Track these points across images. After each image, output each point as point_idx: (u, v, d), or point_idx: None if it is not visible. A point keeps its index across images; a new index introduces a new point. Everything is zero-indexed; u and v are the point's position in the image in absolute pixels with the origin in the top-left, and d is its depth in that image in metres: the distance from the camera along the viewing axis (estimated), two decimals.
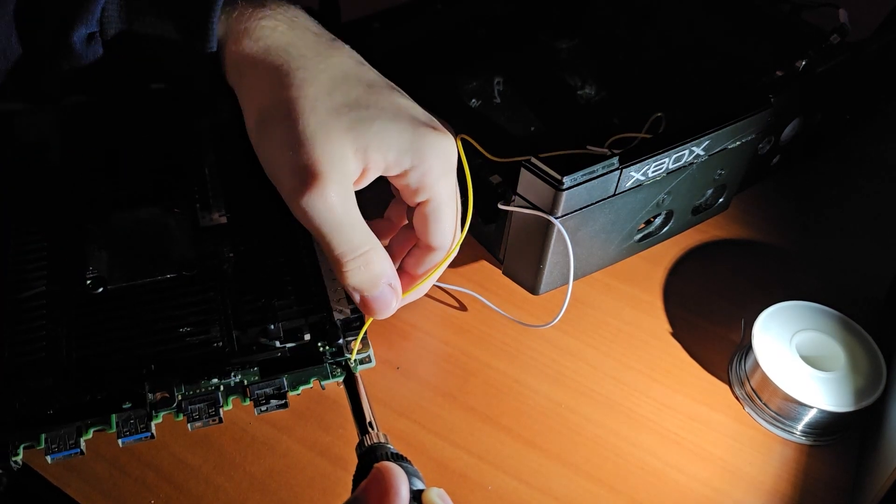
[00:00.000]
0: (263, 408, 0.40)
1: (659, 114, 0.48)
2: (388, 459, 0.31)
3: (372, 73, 0.40)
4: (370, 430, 0.34)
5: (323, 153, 0.36)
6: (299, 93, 0.37)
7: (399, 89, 0.40)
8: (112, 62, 0.40)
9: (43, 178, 0.48)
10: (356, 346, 0.42)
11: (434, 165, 0.38)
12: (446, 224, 0.40)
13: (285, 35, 0.38)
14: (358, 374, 0.37)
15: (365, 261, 0.38)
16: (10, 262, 0.43)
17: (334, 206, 0.37)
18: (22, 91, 0.40)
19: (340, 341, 0.42)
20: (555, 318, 0.44)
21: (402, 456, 0.32)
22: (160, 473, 0.38)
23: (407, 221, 0.44)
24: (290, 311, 0.43)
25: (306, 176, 0.36)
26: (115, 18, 0.39)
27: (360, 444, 0.33)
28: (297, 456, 0.39)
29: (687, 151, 0.43)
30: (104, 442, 0.38)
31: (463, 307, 0.46)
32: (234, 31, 0.39)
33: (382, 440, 0.33)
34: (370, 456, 0.32)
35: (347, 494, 0.37)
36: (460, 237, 0.42)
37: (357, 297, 0.40)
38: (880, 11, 0.53)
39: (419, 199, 0.40)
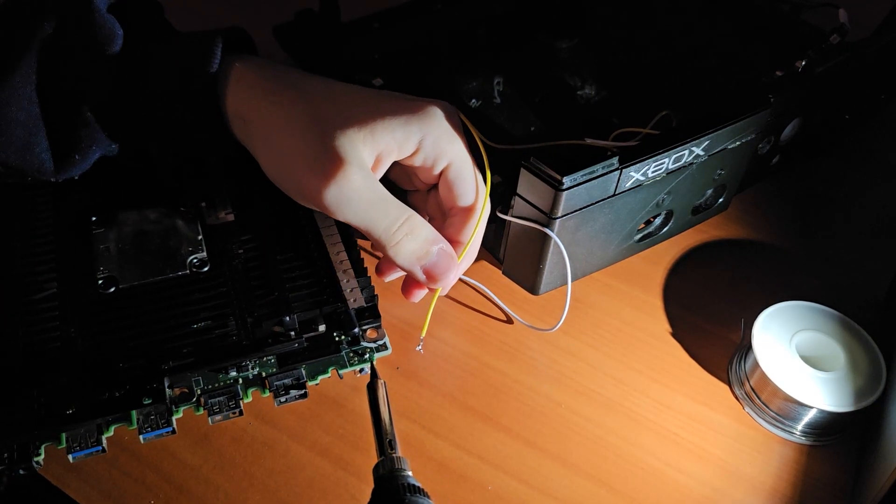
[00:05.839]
0: (283, 399, 0.40)
1: (664, 112, 0.48)
2: (406, 491, 0.30)
3: (352, 85, 0.42)
4: (389, 450, 0.33)
5: (337, 144, 0.38)
6: (298, 106, 0.39)
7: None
8: (125, 130, 0.41)
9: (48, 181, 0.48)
10: (426, 325, 0.43)
11: (443, 129, 0.40)
12: (473, 180, 0.42)
13: (272, 74, 0.41)
14: (382, 386, 0.36)
15: (409, 227, 0.39)
16: (20, 264, 0.43)
17: (362, 188, 0.38)
18: (35, 166, 0.40)
19: (356, 330, 0.42)
20: (556, 324, 0.44)
21: (420, 489, 0.31)
22: (160, 473, 0.38)
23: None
24: (304, 303, 0.43)
25: (328, 167, 0.37)
26: (123, 83, 0.40)
27: (378, 467, 0.32)
28: (296, 456, 0.39)
29: (687, 151, 0.43)
30: (105, 442, 0.38)
31: (462, 307, 0.46)
32: (232, 86, 0.41)
33: (402, 466, 0.32)
34: (387, 484, 0.31)
35: (347, 495, 0.37)
36: (488, 183, 0.42)
37: (418, 271, 0.40)
38: (880, 11, 0.53)
39: (440, 168, 0.41)
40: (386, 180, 0.43)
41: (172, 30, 0.43)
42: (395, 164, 0.41)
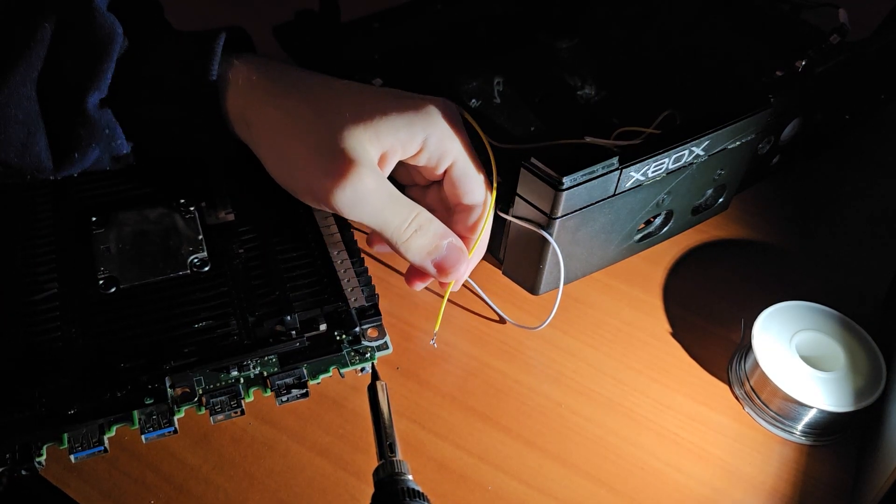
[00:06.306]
0: (285, 398, 0.40)
1: (668, 111, 0.48)
2: (405, 495, 0.30)
3: (352, 82, 0.42)
4: (389, 454, 0.33)
5: (347, 146, 0.38)
6: (303, 109, 0.39)
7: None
8: (124, 128, 0.41)
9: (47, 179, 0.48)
10: (438, 318, 0.43)
11: (446, 128, 0.40)
12: (477, 177, 0.42)
13: (274, 74, 0.41)
14: (382, 388, 0.36)
15: (418, 224, 0.40)
16: (21, 265, 0.43)
17: (374, 188, 0.38)
18: (35, 164, 0.40)
19: (357, 329, 0.42)
20: (544, 322, 0.44)
21: (420, 493, 0.31)
22: (160, 473, 0.38)
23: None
24: (305, 303, 0.43)
25: (339, 169, 0.37)
26: (122, 84, 0.40)
27: (378, 470, 0.32)
28: (296, 456, 0.39)
29: (687, 151, 0.43)
30: (107, 442, 0.38)
31: (462, 307, 0.46)
32: (234, 83, 0.41)
33: (402, 470, 0.32)
34: (387, 489, 0.31)
35: (347, 495, 0.37)
36: (494, 176, 0.43)
37: (429, 266, 0.41)
38: (880, 11, 0.53)
39: (444, 167, 0.41)
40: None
41: (172, 29, 0.43)
42: (399, 162, 0.41)
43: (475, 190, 0.42)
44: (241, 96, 0.41)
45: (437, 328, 0.44)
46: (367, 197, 0.38)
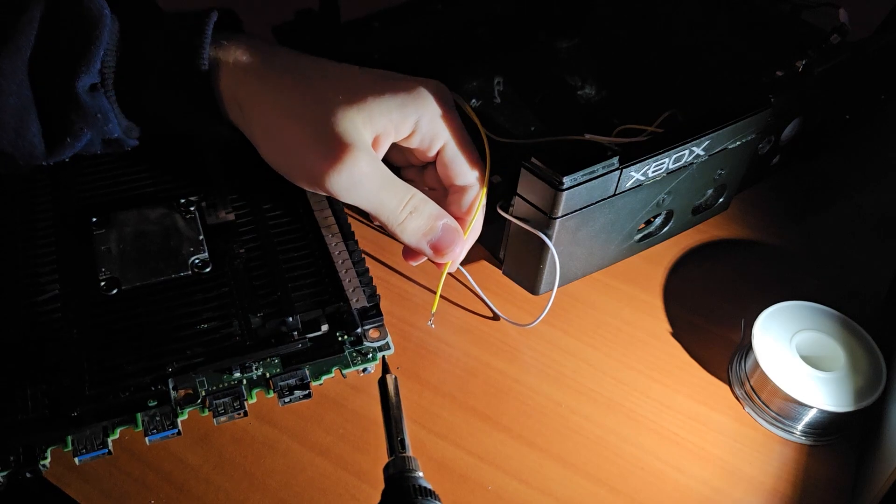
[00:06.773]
0: (287, 399, 0.40)
1: (670, 111, 0.48)
2: (416, 493, 0.30)
3: (344, 64, 0.42)
4: (400, 450, 0.32)
5: (341, 130, 0.38)
6: (296, 92, 0.39)
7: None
8: (116, 113, 0.41)
9: (47, 180, 0.48)
10: (436, 300, 0.44)
11: (438, 109, 0.40)
12: (469, 158, 0.42)
13: (266, 57, 0.41)
14: (392, 382, 0.35)
15: (413, 206, 0.40)
16: (22, 266, 0.43)
17: (369, 171, 0.38)
18: (27, 150, 0.40)
19: (359, 330, 0.42)
20: (536, 319, 0.44)
21: (430, 491, 0.30)
22: (160, 473, 0.38)
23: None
24: (307, 303, 0.43)
25: (335, 152, 0.38)
26: (112, 67, 0.40)
27: (388, 466, 0.32)
28: (297, 456, 0.39)
29: (687, 151, 0.43)
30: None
31: (462, 308, 0.46)
32: (225, 66, 0.40)
33: (412, 466, 0.31)
34: (397, 485, 0.31)
35: (347, 495, 0.37)
36: (488, 158, 0.43)
37: (425, 247, 0.41)
38: (880, 11, 0.53)
39: (437, 148, 0.41)
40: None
41: (162, 11, 0.43)
42: (392, 144, 0.41)
43: (467, 171, 0.42)
44: (233, 79, 0.40)
45: (434, 309, 0.44)
46: (362, 180, 0.38)
